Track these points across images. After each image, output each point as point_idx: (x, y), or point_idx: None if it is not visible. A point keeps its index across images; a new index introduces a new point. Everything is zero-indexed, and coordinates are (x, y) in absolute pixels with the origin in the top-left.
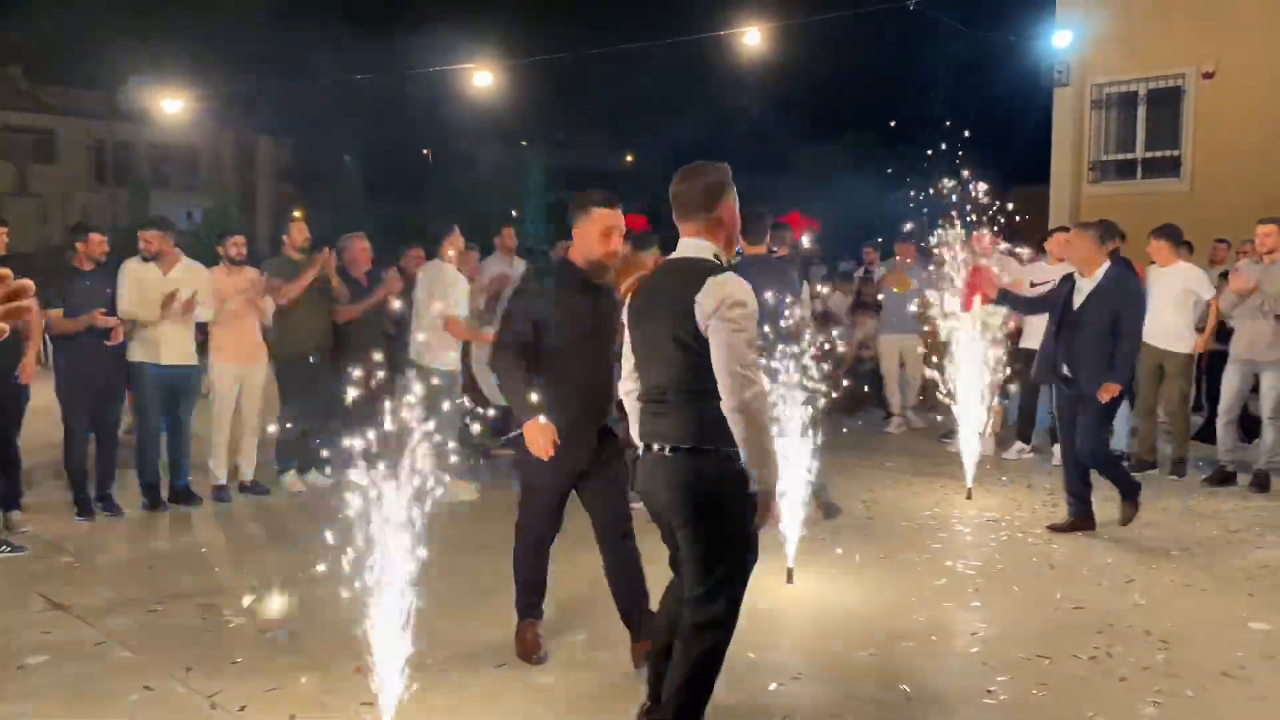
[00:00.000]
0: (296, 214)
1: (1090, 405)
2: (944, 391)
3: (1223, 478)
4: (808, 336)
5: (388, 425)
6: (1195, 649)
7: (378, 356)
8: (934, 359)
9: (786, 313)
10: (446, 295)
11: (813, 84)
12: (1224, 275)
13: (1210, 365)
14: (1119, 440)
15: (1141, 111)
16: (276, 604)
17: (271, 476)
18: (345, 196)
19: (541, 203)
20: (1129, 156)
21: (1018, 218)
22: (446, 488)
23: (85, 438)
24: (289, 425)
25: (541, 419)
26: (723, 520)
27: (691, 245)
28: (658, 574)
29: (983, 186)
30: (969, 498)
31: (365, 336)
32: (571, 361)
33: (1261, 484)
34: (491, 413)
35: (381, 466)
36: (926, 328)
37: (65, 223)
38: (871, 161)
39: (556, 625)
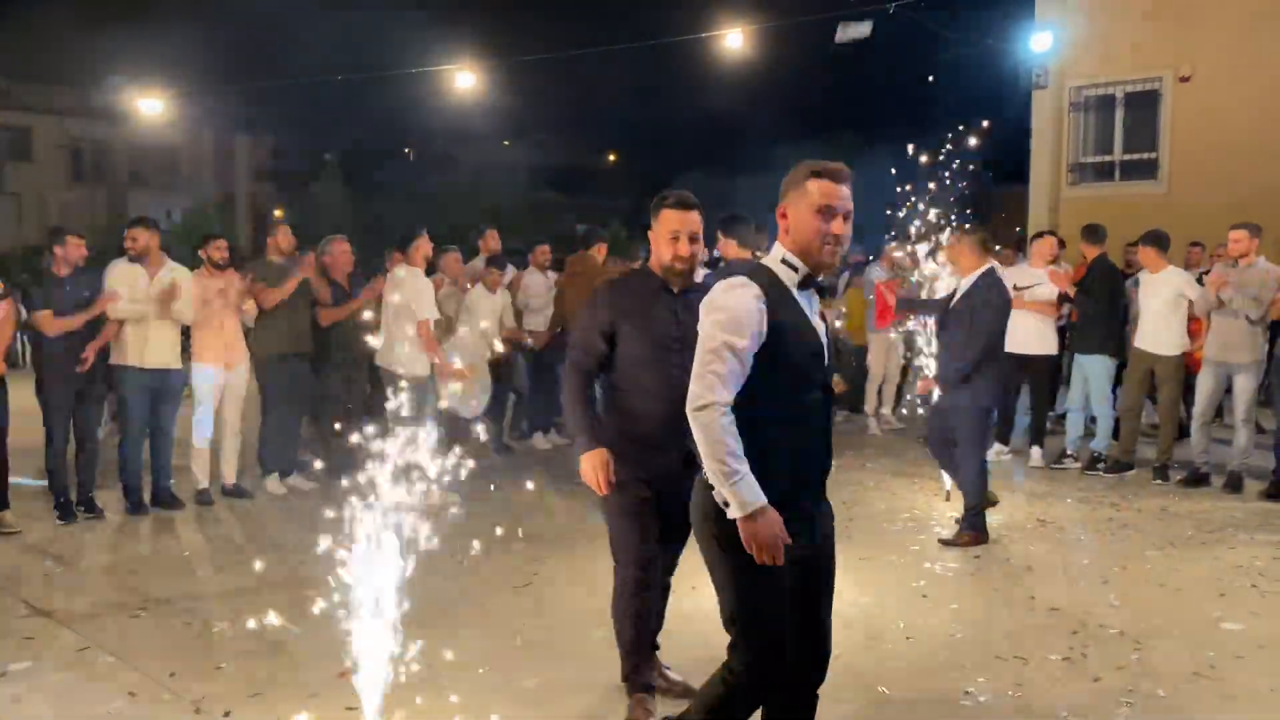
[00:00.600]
0: (278, 213)
1: (948, 403)
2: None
3: (1197, 479)
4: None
5: (370, 431)
6: (1168, 649)
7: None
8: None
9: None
10: (416, 301)
11: (791, 86)
12: (1200, 279)
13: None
14: (1098, 441)
15: (1119, 114)
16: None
17: (254, 480)
18: (325, 196)
19: (524, 203)
20: (1107, 159)
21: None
22: (427, 497)
23: (66, 441)
24: (272, 428)
25: (598, 450)
26: (722, 559)
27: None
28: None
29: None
30: (948, 499)
31: (347, 340)
32: (646, 376)
33: (1235, 485)
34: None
35: (365, 472)
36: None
37: (42, 222)
38: (851, 163)
39: (548, 625)
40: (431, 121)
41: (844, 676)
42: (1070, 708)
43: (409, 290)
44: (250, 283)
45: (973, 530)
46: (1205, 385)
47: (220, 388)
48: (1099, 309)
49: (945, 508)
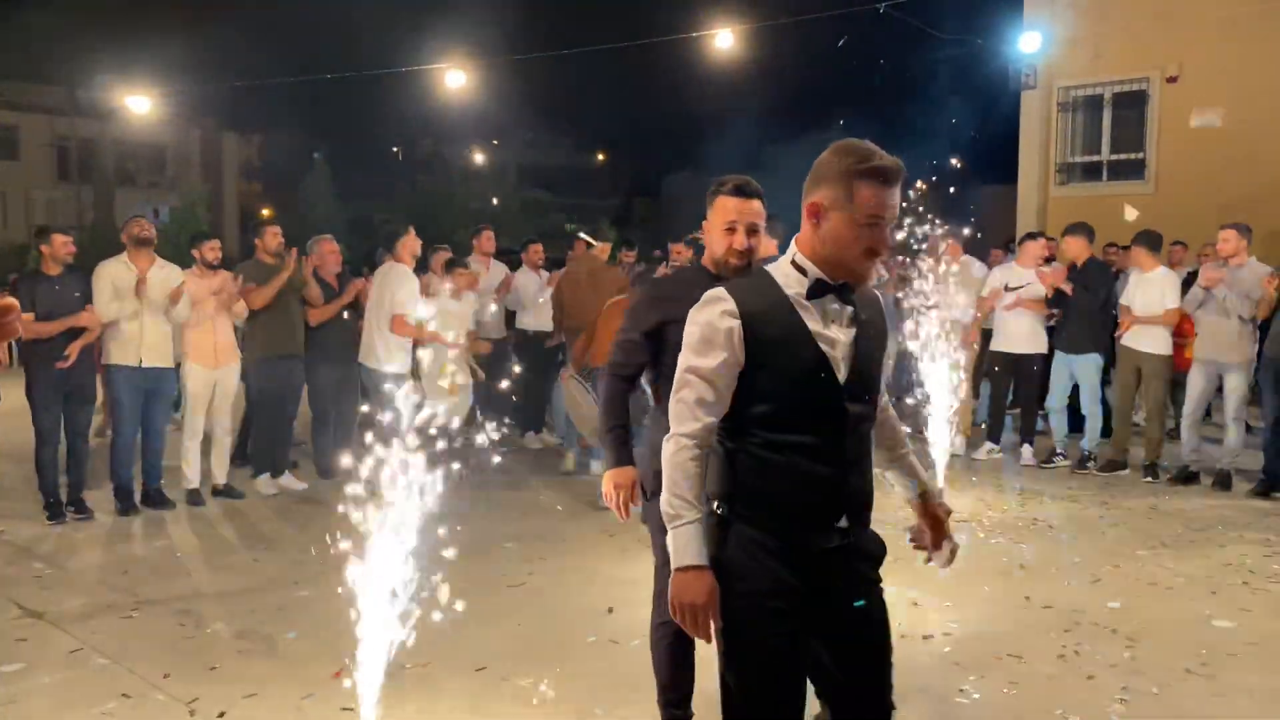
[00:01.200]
0: (266, 212)
1: None
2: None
3: (1187, 477)
4: None
5: (361, 431)
6: (1161, 646)
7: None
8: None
9: None
10: (396, 295)
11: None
12: (1188, 279)
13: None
14: (1088, 440)
15: (1107, 115)
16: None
17: (245, 479)
18: (313, 195)
19: (513, 202)
20: (1094, 159)
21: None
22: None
23: (56, 441)
24: (262, 428)
25: (627, 469)
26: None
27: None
28: None
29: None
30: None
31: (336, 339)
32: None
33: (1224, 483)
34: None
35: (356, 471)
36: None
37: (28, 221)
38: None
39: (542, 625)
40: (421, 121)
41: None
42: (1065, 705)
43: (387, 285)
44: (240, 282)
45: None
46: (1196, 384)
47: (211, 387)
48: (1095, 306)
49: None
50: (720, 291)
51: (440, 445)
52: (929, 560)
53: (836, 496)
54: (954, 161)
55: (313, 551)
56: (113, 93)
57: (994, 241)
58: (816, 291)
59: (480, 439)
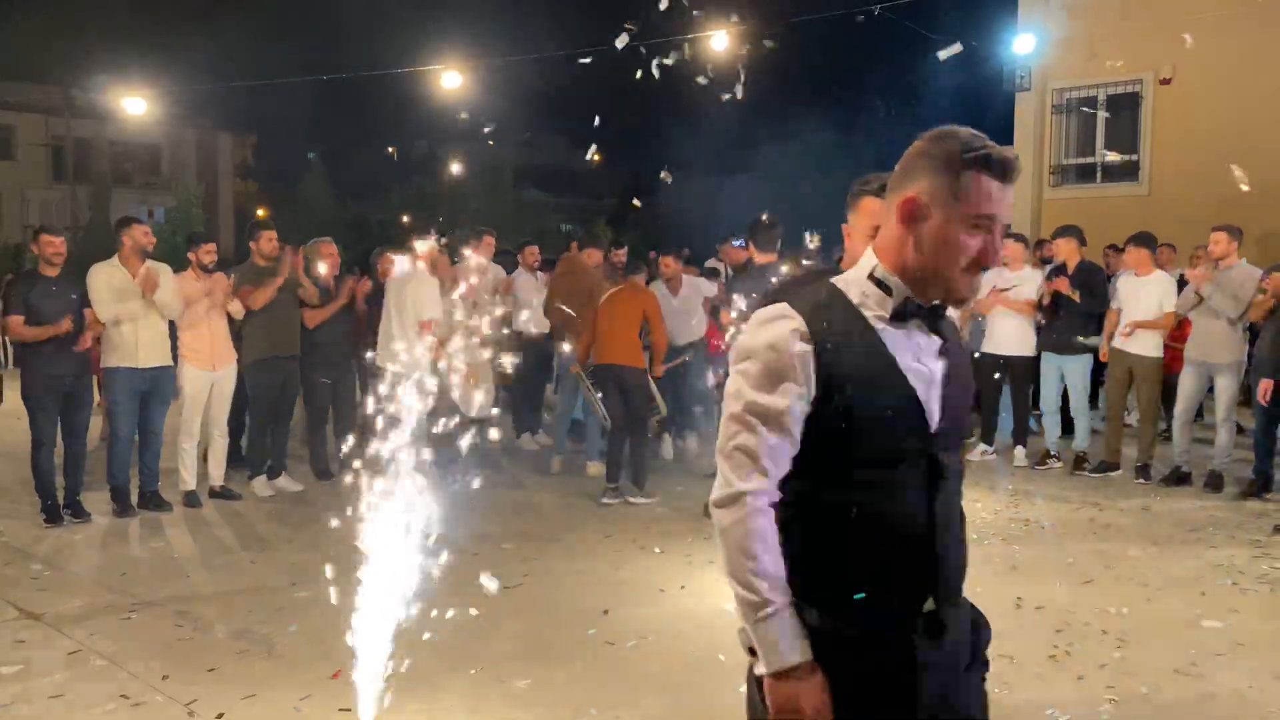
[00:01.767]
0: (262, 213)
1: None
2: None
3: (1179, 478)
4: None
5: (359, 432)
6: (1150, 647)
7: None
8: None
9: None
10: (418, 301)
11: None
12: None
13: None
14: (1079, 441)
15: (1101, 116)
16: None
17: (242, 481)
18: (309, 194)
19: (509, 202)
20: (1089, 160)
21: None
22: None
23: (53, 443)
24: (259, 429)
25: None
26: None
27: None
28: None
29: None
30: None
31: (333, 340)
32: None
33: (1215, 484)
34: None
35: (353, 472)
36: None
37: (22, 221)
38: (834, 163)
39: (540, 625)
40: (416, 120)
41: None
42: (1055, 705)
43: (412, 290)
44: (236, 281)
45: None
46: (1187, 385)
47: (208, 389)
48: (1098, 310)
49: None
50: (784, 307)
51: (442, 446)
52: None
53: (922, 572)
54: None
55: (309, 553)
56: (108, 93)
57: None
58: (904, 314)
59: (488, 435)
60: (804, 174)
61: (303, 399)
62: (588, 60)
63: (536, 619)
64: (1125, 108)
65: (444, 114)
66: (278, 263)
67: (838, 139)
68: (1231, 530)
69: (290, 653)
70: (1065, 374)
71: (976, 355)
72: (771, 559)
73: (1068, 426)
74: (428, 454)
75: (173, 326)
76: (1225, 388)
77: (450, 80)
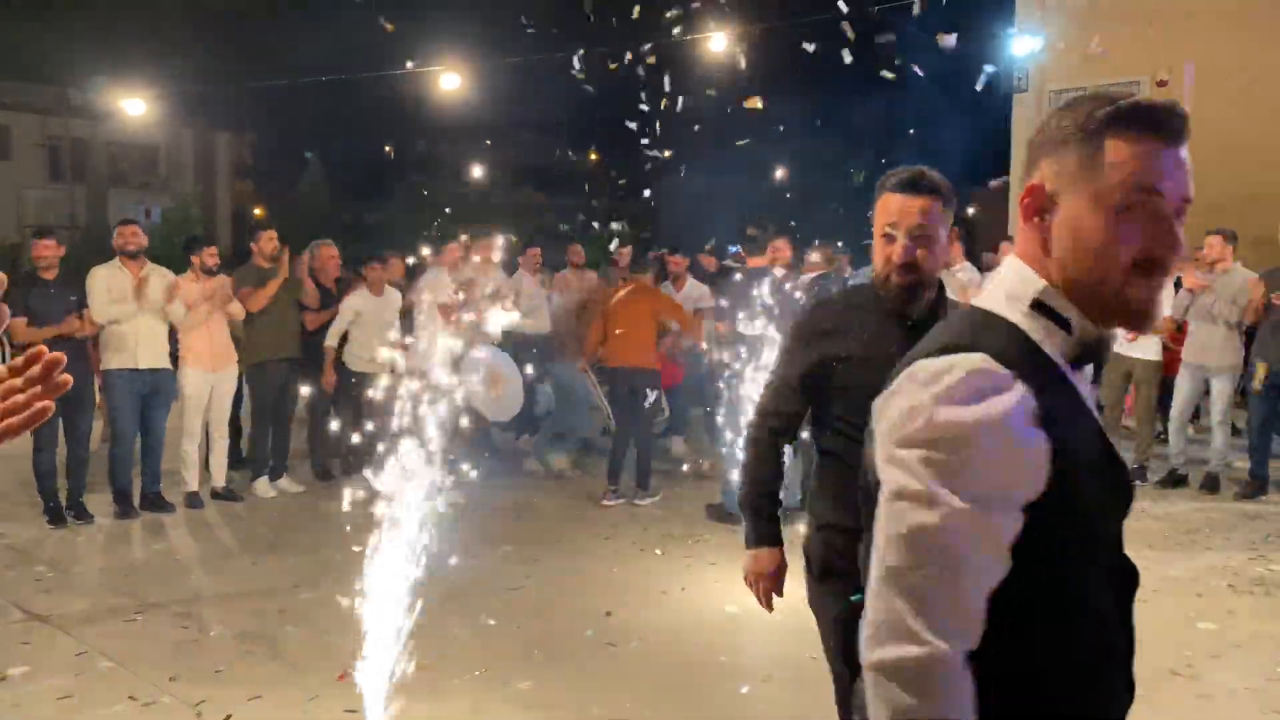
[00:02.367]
0: (259, 212)
1: None
2: None
3: (1175, 480)
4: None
5: (361, 434)
6: (1145, 648)
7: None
8: None
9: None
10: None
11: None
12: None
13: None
14: None
15: None
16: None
17: (243, 482)
18: (307, 195)
19: (508, 202)
20: None
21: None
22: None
23: (54, 446)
24: (261, 431)
25: (772, 551)
26: None
27: (1002, 270)
28: None
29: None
30: None
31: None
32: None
33: (1212, 486)
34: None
35: (355, 475)
36: None
37: (19, 221)
38: (831, 164)
39: (542, 627)
40: (414, 121)
41: (827, 678)
42: None
43: (443, 291)
44: (236, 282)
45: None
46: (1183, 388)
47: (208, 391)
48: None
49: None
50: (989, 362)
51: (446, 445)
52: None
53: (1128, 686)
54: (944, 165)
55: (313, 555)
56: (105, 92)
57: (984, 245)
58: (1084, 354)
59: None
60: (803, 174)
61: (306, 401)
62: (586, 60)
63: (539, 621)
64: None
65: (444, 114)
66: (277, 263)
67: (827, 138)
68: (1227, 532)
69: (295, 654)
70: None
71: None
72: None
73: None
74: (433, 455)
75: (172, 329)
76: (1222, 390)
77: (449, 80)
